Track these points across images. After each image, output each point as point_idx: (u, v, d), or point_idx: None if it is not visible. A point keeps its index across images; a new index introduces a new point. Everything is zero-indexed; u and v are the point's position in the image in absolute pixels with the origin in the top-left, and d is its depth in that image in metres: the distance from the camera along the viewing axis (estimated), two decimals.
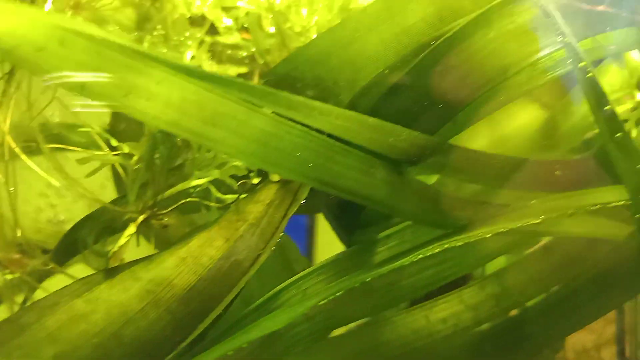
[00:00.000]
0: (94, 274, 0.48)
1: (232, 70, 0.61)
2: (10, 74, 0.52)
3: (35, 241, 0.56)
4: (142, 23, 0.55)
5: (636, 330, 1.01)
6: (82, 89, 0.41)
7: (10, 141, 0.47)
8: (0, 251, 0.48)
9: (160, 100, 0.43)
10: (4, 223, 0.47)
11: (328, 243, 0.69)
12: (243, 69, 0.64)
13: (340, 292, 0.49)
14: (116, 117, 0.63)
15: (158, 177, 0.53)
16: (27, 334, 0.43)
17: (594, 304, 0.58)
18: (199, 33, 0.63)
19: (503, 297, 0.57)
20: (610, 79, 0.66)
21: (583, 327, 0.63)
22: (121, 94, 0.42)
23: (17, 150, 0.45)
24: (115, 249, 0.49)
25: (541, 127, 0.77)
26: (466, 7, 0.51)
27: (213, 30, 0.67)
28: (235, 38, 0.67)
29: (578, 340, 0.94)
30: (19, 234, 0.48)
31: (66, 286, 0.46)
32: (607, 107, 0.48)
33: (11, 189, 0.45)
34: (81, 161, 0.51)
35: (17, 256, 0.48)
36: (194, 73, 0.44)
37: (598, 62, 0.76)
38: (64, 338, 0.43)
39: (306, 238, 1.11)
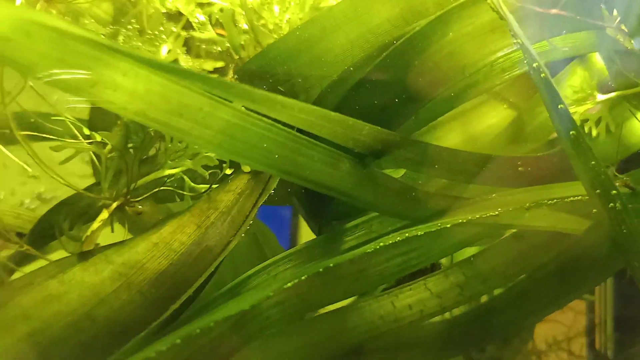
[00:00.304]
0: (67, 257, 0.49)
1: (208, 65, 0.63)
2: None
3: (12, 226, 0.58)
4: (118, 17, 0.57)
5: (606, 324, 1.03)
6: (50, 79, 0.43)
7: None
8: None
9: (126, 91, 0.44)
10: None
11: (311, 236, 0.71)
12: (219, 64, 0.66)
13: (305, 276, 0.51)
14: (94, 107, 0.65)
15: (131, 166, 0.55)
16: (2, 312, 0.45)
17: (557, 294, 0.61)
18: (175, 28, 0.65)
19: (467, 286, 0.59)
20: (573, 81, 0.68)
21: (547, 315, 0.66)
22: (88, 85, 0.43)
23: None
24: (88, 233, 0.51)
25: (509, 126, 0.80)
26: (429, 9, 0.53)
27: (189, 25, 0.69)
28: (209, 33, 0.69)
29: (549, 331, 0.96)
30: None
31: (40, 267, 0.48)
32: (561, 105, 0.51)
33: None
34: (55, 148, 0.53)
35: None
36: (158, 66, 0.45)
37: (565, 63, 0.78)
38: (38, 316, 0.45)
39: (290, 231, 1.13)
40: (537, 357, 0.95)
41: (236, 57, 0.72)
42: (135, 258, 0.50)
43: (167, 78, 0.45)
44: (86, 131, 0.53)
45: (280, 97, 0.46)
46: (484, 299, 0.70)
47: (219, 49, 0.71)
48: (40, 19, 0.38)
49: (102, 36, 0.45)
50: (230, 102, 0.49)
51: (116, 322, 0.47)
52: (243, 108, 0.49)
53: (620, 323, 1.00)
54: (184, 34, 0.67)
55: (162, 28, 0.63)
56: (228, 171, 0.58)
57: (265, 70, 0.58)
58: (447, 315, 0.76)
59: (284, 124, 0.50)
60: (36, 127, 0.51)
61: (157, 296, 0.49)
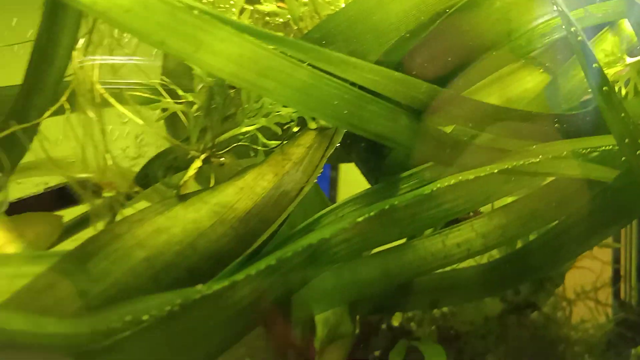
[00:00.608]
0: (169, 198, 0.58)
1: None
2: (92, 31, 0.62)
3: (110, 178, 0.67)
4: None
5: (631, 275, 1.10)
6: (161, 45, 0.51)
7: (99, 89, 0.57)
8: (97, 175, 0.59)
9: (223, 55, 0.52)
10: (98, 154, 0.58)
11: (350, 194, 0.79)
12: (279, 34, 0.73)
13: (366, 216, 0.59)
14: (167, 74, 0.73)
15: (215, 123, 0.63)
16: (121, 241, 0.53)
17: (587, 236, 0.68)
18: (241, 2, 0.72)
19: (508, 228, 0.66)
20: (605, 45, 0.74)
21: (577, 256, 0.73)
22: (192, 50, 0.52)
23: (106, 95, 0.55)
24: (186, 178, 0.59)
25: (545, 89, 0.86)
26: None
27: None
28: (272, 6, 0.76)
29: (578, 281, 1.03)
30: (109, 162, 0.59)
31: (148, 206, 0.57)
32: (595, 64, 0.57)
33: (110, 127, 0.55)
34: (153, 107, 0.61)
35: (109, 181, 0.59)
36: (251, 32, 0.53)
37: (597, 30, 0.84)
38: (150, 245, 0.54)
39: (330, 189, 1.21)
40: (567, 303, 1.02)
41: (295, 27, 0.79)
42: (225, 199, 0.58)
43: (255, 44, 0.53)
44: (179, 92, 0.61)
45: (352, 59, 0.54)
46: (519, 244, 0.78)
47: (280, 20, 0.78)
48: None
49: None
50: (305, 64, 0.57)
51: (213, 252, 0.56)
52: (315, 70, 0.57)
53: None
54: (249, 7, 0.75)
55: (232, 2, 0.71)
56: (295, 128, 0.67)
57: (325, 39, 0.66)
58: (485, 259, 0.84)
59: (351, 83, 0.58)
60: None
61: (245, 232, 0.58)
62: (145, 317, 0.47)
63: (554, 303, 0.95)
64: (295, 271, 0.60)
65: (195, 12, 0.50)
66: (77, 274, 0.50)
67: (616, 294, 1.09)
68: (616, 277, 1.10)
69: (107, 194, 0.61)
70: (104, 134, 0.58)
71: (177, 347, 0.52)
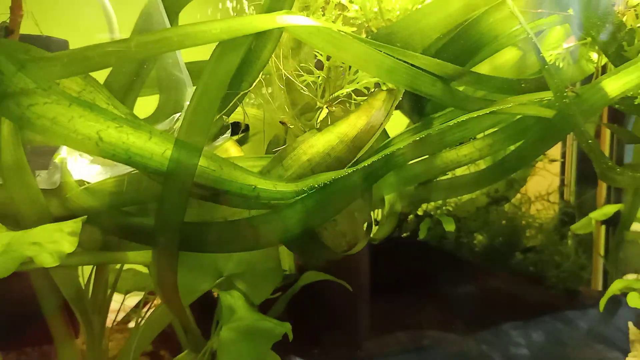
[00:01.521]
0: (313, 129, 1.04)
1: (348, 29, 1.15)
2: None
3: None
4: None
5: (571, 182, 1.61)
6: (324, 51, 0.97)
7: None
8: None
9: (349, 53, 0.98)
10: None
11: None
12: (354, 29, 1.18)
13: (416, 138, 1.06)
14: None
15: (330, 87, 1.09)
16: (295, 150, 0.99)
17: (540, 148, 1.16)
18: (330, 7, 1.17)
19: (493, 145, 1.14)
20: (552, 35, 1.21)
21: (532, 162, 1.21)
22: (336, 51, 0.96)
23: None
24: (320, 119, 1.05)
25: (518, 60, 1.33)
26: (480, 4, 1.06)
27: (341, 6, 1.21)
28: (353, 11, 1.21)
29: (536, 188, 1.53)
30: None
31: (305, 133, 1.03)
32: (542, 54, 1.04)
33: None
34: (300, 79, 1.07)
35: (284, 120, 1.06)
36: (362, 40, 0.99)
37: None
38: (308, 153, 0.99)
39: None
40: (527, 203, 1.53)
41: (365, 25, 1.24)
42: (342, 130, 1.04)
43: (363, 45, 0.98)
44: (314, 70, 1.06)
45: (409, 51, 0.99)
46: (501, 155, 1.27)
47: (358, 21, 1.23)
48: (321, 24, 0.91)
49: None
50: (382, 51, 1.02)
51: (338, 157, 1.03)
52: (390, 56, 1.03)
53: (580, 179, 1.59)
54: (336, 11, 1.20)
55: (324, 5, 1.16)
56: (372, 89, 1.13)
57: (390, 36, 1.11)
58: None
59: (410, 64, 1.04)
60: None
61: (354, 146, 1.03)
62: (315, 185, 0.95)
63: (520, 199, 1.45)
64: (377, 169, 1.08)
65: (337, 32, 0.95)
66: (278, 166, 0.98)
67: (561, 195, 1.60)
68: (562, 184, 1.61)
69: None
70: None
71: (325, 204, 1.00)
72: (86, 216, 0.89)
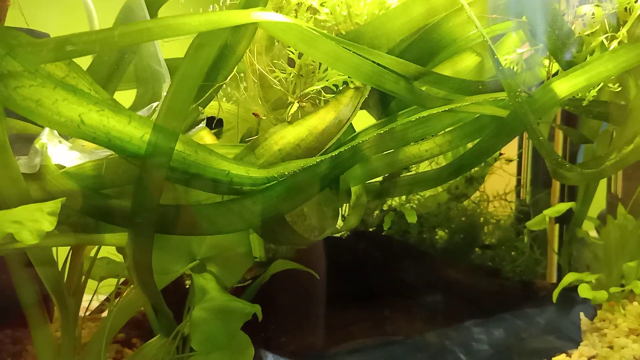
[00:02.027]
0: (284, 123, 1.10)
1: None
2: None
3: None
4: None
5: (527, 182, 1.71)
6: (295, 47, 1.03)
7: None
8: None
9: (319, 50, 1.04)
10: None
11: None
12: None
13: (381, 132, 1.13)
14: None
15: (301, 83, 1.16)
16: (267, 140, 1.04)
17: (494, 144, 1.24)
18: (302, 10, 1.24)
19: (452, 141, 1.22)
20: (507, 43, 1.30)
21: (491, 155, 1.30)
22: (307, 48, 1.03)
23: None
24: (290, 113, 1.11)
25: (476, 65, 1.41)
26: (440, 9, 1.14)
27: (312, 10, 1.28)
28: (324, 16, 1.28)
29: (494, 187, 1.62)
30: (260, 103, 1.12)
31: (277, 125, 1.09)
32: (496, 56, 1.12)
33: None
34: (273, 76, 1.13)
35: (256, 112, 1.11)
36: (331, 38, 1.05)
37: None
38: (279, 143, 1.05)
39: None
40: (485, 202, 1.61)
41: (335, 28, 1.32)
42: (312, 123, 1.09)
43: (332, 44, 1.05)
44: (287, 68, 1.12)
45: (375, 50, 1.06)
46: (461, 151, 1.35)
47: (329, 24, 1.30)
48: (293, 22, 0.98)
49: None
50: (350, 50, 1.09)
51: (307, 148, 1.09)
52: (356, 54, 1.10)
53: (535, 179, 1.69)
54: (307, 14, 1.26)
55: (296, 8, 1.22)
56: (342, 88, 1.19)
57: (358, 38, 1.18)
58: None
59: (376, 63, 1.11)
60: None
61: (322, 139, 1.10)
62: (285, 172, 1.00)
63: (479, 197, 1.54)
64: (345, 160, 1.15)
65: (309, 30, 1.01)
66: (250, 155, 1.03)
67: (517, 194, 1.69)
68: (518, 183, 1.70)
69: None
70: None
71: (294, 192, 1.06)
72: (65, 197, 0.92)
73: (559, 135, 1.64)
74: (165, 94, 1.04)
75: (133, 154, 0.88)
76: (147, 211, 0.92)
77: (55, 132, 1.04)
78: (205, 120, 1.08)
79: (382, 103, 1.22)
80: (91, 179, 0.97)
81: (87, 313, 1.41)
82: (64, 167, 1.00)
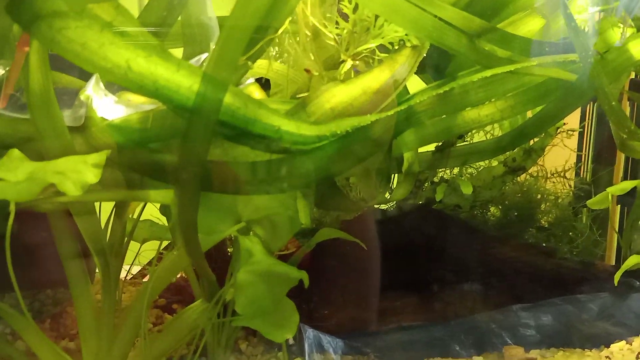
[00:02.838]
0: (336, 81, 1.04)
1: None
2: None
3: None
4: None
5: (588, 159, 1.61)
6: None
7: None
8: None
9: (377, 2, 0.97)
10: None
11: None
12: None
13: (439, 91, 1.06)
14: None
15: (355, 40, 1.09)
16: (318, 98, 0.98)
17: (558, 113, 1.15)
18: None
19: (515, 107, 1.14)
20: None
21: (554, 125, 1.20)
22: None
23: None
24: (343, 71, 1.05)
25: (541, 29, 1.32)
26: None
27: None
28: None
29: (553, 164, 1.52)
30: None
31: (329, 83, 1.03)
32: (568, 11, 1.03)
33: None
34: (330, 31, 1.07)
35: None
36: None
37: None
38: (331, 101, 0.97)
39: None
40: (543, 179, 1.52)
41: None
42: (366, 82, 1.02)
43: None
44: (340, 21, 1.06)
45: (437, 2, 0.99)
46: (520, 120, 1.26)
47: None
48: None
49: None
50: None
51: (360, 108, 1.03)
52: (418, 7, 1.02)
53: (597, 157, 1.58)
54: None
55: None
56: (396, 45, 1.13)
57: None
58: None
59: (437, 17, 1.03)
60: None
61: (377, 99, 1.04)
62: (337, 131, 0.95)
63: (537, 171, 1.45)
64: (399, 123, 1.08)
65: None
66: (301, 112, 0.98)
67: (577, 172, 1.59)
68: (578, 160, 1.60)
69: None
70: None
71: (345, 153, 1.00)
72: (110, 150, 0.89)
73: (626, 108, 1.53)
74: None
75: (180, 105, 0.84)
76: (194, 166, 0.88)
77: (101, 84, 1.01)
78: (253, 79, 1.03)
79: (439, 65, 1.15)
80: (137, 133, 0.93)
81: (129, 277, 1.40)
82: (109, 120, 0.97)
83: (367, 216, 1.30)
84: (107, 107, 0.99)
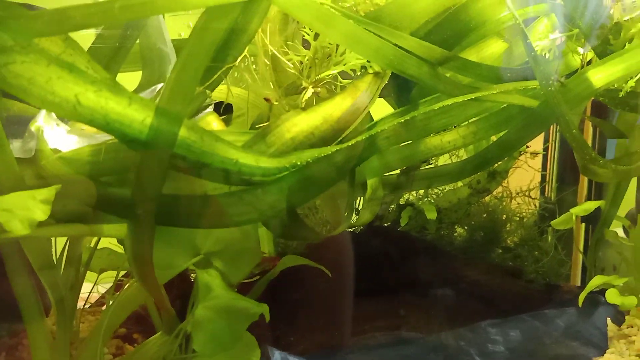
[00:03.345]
0: (297, 109, 1.03)
1: None
2: None
3: None
4: None
5: (552, 178, 1.62)
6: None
7: None
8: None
9: (336, 31, 0.96)
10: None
11: None
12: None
13: (401, 120, 1.05)
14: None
15: (317, 68, 1.08)
16: (279, 127, 0.97)
17: (522, 137, 1.16)
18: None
19: (477, 133, 1.14)
20: (537, 28, 1.21)
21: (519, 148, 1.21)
22: (324, 28, 0.95)
23: None
24: (303, 99, 1.04)
25: (503, 52, 1.33)
26: None
27: None
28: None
29: (518, 184, 1.53)
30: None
31: (289, 112, 1.01)
32: (528, 40, 1.04)
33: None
34: (286, 58, 1.06)
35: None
36: (351, 17, 0.97)
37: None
38: (292, 131, 0.96)
39: None
40: (508, 198, 1.53)
41: (354, 10, 1.24)
42: (327, 110, 1.01)
43: (350, 23, 0.97)
44: (300, 49, 1.05)
45: (397, 32, 0.98)
46: (484, 144, 1.26)
47: (347, 4, 1.22)
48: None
49: None
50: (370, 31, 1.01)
51: (322, 137, 1.01)
52: (378, 36, 1.01)
53: (560, 176, 1.60)
54: None
55: None
56: (358, 72, 1.12)
57: (379, 18, 1.10)
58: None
59: (397, 46, 1.03)
60: None
61: (338, 128, 1.02)
62: (298, 162, 0.93)
63: (501, 192, 1.45)
64: (361, 151, 1.07)
65: (327, 8, 0.94)
66: (260, 142, 0.96)
67: (542, 191, 1.61)
68: (543, 179, 1.62)
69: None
70: None
71: (308, 183, 0.99)
72: (60, 185, 0.86)
73: (588, 129, 1.55)
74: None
75: (133, 139, 0.81)
76: (148, 201, 0.85)
77: (53, 114, 0.97)
78: (212, 105, 1.00)
79: (402, 91, 1.14)
80: (89, 165, 0.90)
81: (88, 306, 1.36)
82: (61, 152, 0.93)
83: (335, 239, 1.29)
84: (59, 138, 0.95)
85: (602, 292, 1.44)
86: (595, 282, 1.36)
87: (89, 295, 1.26)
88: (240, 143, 0.94)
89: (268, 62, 1.03)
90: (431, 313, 1.47)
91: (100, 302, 1.35)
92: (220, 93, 1.10)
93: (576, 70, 1.24)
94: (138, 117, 0.80)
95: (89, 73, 0.84)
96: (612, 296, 1.31)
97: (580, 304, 1.34)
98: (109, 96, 0.79)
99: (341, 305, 1.35)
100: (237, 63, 0.96)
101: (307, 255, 1.22)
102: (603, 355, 1.35)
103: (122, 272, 1.24)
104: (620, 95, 1.13)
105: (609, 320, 1.40)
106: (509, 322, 1.50)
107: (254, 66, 1.08)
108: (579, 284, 1.61)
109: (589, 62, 1.21)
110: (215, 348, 0.90)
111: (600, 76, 1.06)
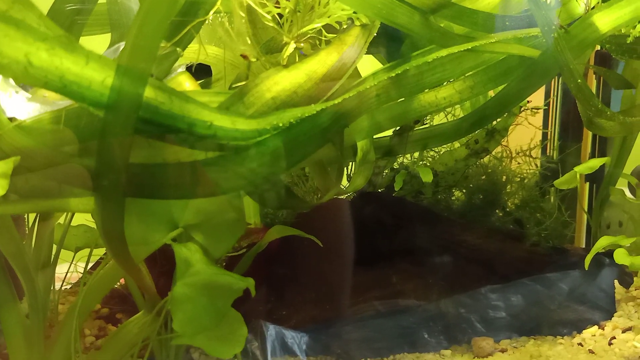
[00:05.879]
0: (279, 66, 0.95)
1: None
2: None
3: None
4: None
5: (554, 136, 1.55)
6: None
7: None
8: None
9: None
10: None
11: None
12: None
13: (392, 74, 0.97)
14: None
15: (298, 21, 0.99)
16: (258, 86, 0.89)
17: (523, 90, 1.08)
18: None
19: (474, 87, 1.06)
20: None
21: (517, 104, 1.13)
22: None
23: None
24: (285, 55, 0.96)
25: (500, 2, 1.24)
26: None
27: None
28: None
29: (518, 142, 1.46)
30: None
31: (270, 69, 0.93)
32: None
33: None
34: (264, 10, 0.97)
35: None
36: None
37: None
38: (272, 90, 0.89)
39: None
40: (508, 159, 1.46)
41: None
42: (311, 67, 0.94)
43: None
44: (281, 1, 0.96)
45: None
46: (482, 101, 1.19)
47: None
48: None
49: None
50: None
51: (305, 95, 0.94)
52: None
53: (564, 134, 1.53)
54: None
55: None
56: (344, 25, 1.03)
57: None
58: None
59: None
60: None
61: (322, 86, 0.95)
62: (280, 124, 0.85)
63: (501, 152, 1.38)
64: (350, 110, 0.99)
65: None
66: (238, 103, 0.88)
67: (544, 150, 1.53)
68: (544, 138, 1.54)
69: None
70: None
71: (291, 147, 0.91)
72: (19, 157, 0.78)
73: (592, 83, 1.47)
74: None
75: (94, 102, 0.73)
76: (114, 171, 0.78)
77: (11, 80, 0.89)
78: (185, 66, 0.92)
79: (392, 45, 1.06)
80: (50, 135, 0.82)
81: (69, 286, 1.30)
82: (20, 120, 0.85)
83: (326, 207, 1.22)
84: (18, 105, 0.87)
85: (606, 253, 1.38)
86: (602, 242, 1.29)
87: (65, 275, 1.19)
88: (215, 104, 0.86)
89: (244, 15, 0.94)
90: (429, 281, 1.41)
91: (83, 282, 1.28)
92: (193, 52, 1.01)
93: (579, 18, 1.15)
94: (97, 78, 0.72)
95: (40, 30, 0.75)
96: (620, 256, 1.25)
97: (586, 266, 1.28)
98: (63, 55, 0.71)
99: (335, 275, 1.29)
100: (209, 16, 0.87)
101: (297, 225, 1.16)
102: (611, 319, 1.30)
103: (103, 251, 1.18)
104: (628, 42, 1.05)
105: (616, 282, 1.34)
106: (510, 287, 1.45)
107: (230, 24, 0.99)
108: (583, 246, 1.55)
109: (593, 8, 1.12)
110: (196, 327, 0.83)
111: (607, 20, 0.97)
